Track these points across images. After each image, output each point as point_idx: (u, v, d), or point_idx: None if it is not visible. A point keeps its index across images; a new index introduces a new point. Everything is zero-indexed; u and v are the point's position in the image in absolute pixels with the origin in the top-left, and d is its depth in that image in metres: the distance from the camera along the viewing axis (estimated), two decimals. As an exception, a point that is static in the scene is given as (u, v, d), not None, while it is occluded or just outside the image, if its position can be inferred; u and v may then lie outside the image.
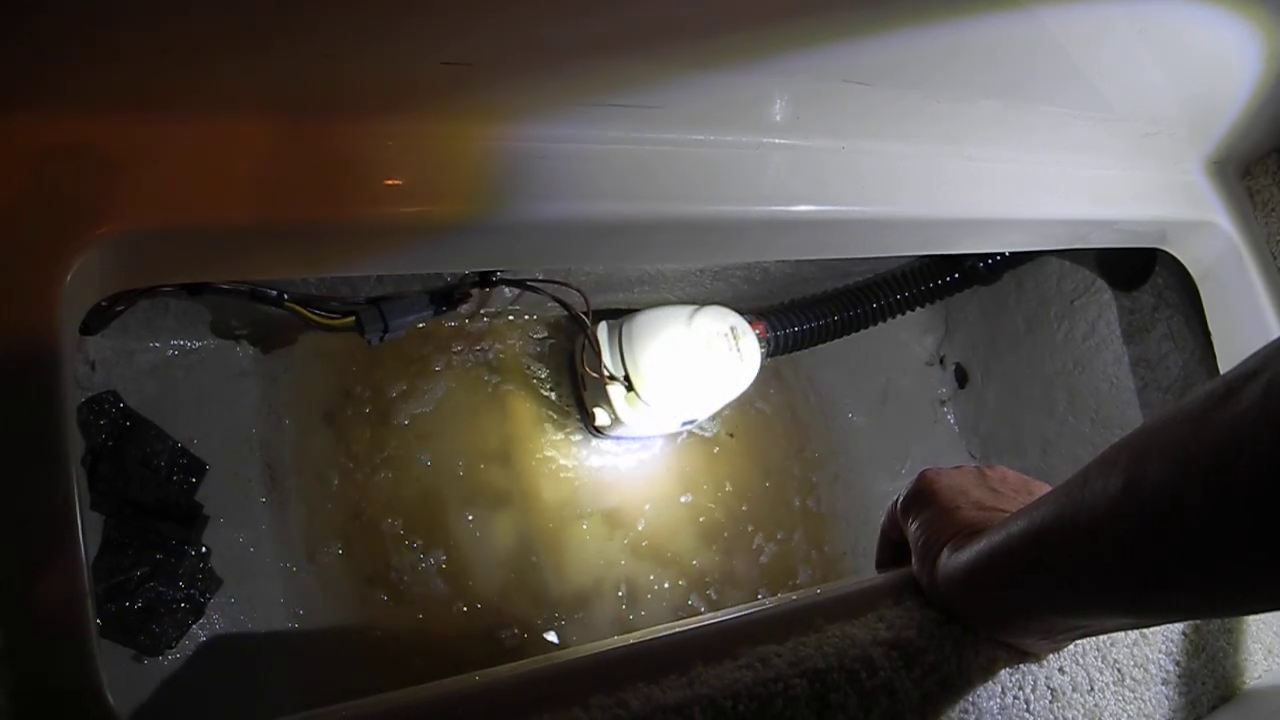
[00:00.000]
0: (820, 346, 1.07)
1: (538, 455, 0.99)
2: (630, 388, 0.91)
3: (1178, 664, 0.52)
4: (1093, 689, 0.47)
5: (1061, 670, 0.46)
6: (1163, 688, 0.50)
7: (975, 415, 1.29)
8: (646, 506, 1.04)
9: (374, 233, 0.50)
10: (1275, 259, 0.84)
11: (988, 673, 0.43)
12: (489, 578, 0.92)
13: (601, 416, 0.96)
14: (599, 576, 0.99)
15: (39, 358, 0.38)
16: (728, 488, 1.10)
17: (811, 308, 1.04)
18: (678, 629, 0.41)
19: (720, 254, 0.83)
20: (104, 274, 0.44)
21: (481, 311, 0.97)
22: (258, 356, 0.86)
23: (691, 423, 1.01)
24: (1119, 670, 0.48)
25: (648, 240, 0.61)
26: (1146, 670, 0.50)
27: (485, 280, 0.83)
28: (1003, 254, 1.08)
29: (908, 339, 1.32)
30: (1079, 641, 0.46)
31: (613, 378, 0.91)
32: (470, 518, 0.93)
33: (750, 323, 0.97)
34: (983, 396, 1.27)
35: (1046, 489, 0.41)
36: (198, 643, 0.76)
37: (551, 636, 0.94)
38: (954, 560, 0.41)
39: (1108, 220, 0.80)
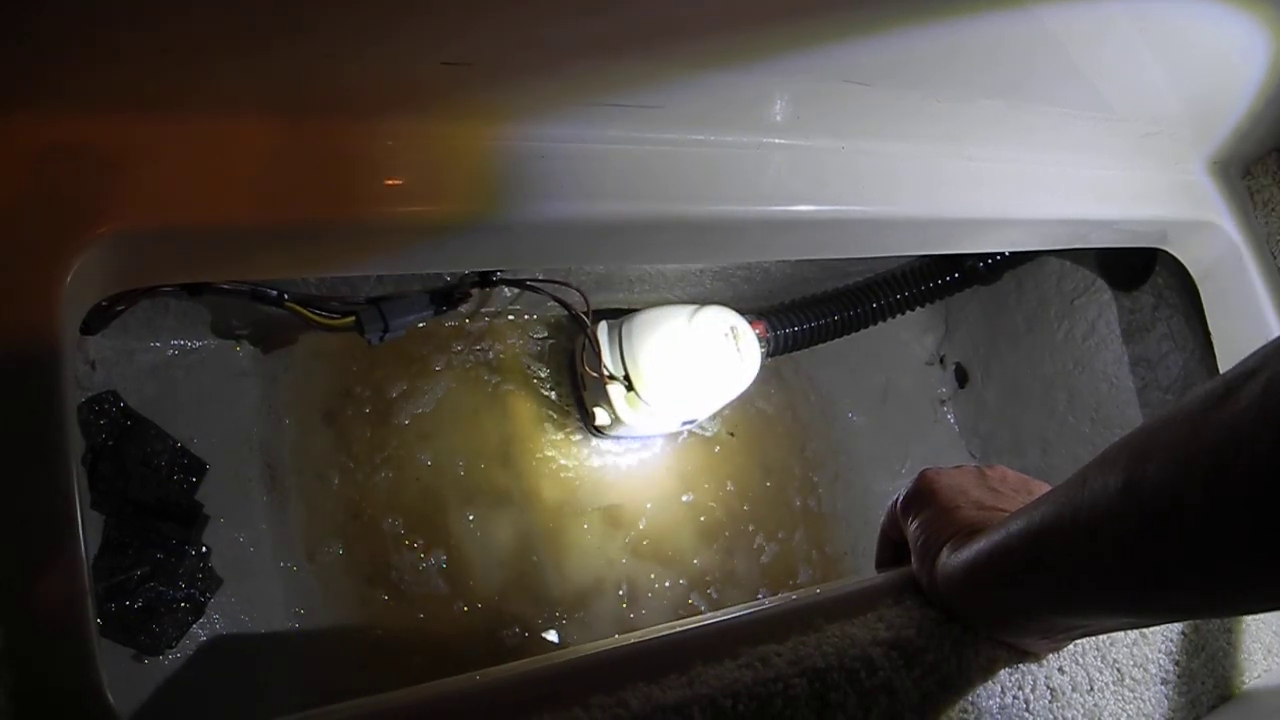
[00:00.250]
0: (820, 346, 1.07)
1: (538, 455, 0.99)
2: (630, 387, 0.91)
3: (1177, 664, 0.52)
4: (1092, 689, 0.47)
5: (1061, 670, 0.46)
6: (1162, 687, 0.50)
7: (975, 415, 1.29)
8: (648, 505, 1.04)
9: (374, 233, 0.50)
10: (1275, 259, 0.84)
11: (987, 672, 0.43)
12: (489, 577, 0.92)
13: (602, 416, 0.96)
14: (599, 576, 0.99)
15: (39, 357, 0.38)
16: (729, 487, 1.10)
17: (811, 307, 1.04)
18: (677, 628, 0.41)
19: (720, 254, 0.83)
20: (104, 274, 0.44)
21: (482, 311, 0.97)
22: (258, 356, 0.86)
23: (692, 422, 1.01)
24: (1118, 670, 0.48)
25: (648, 240, 0.61)
26: (1146, 670, 0.50)
27: (485, 280, 0.83)
28: (1003, 254, 1.08)
29: (908, 339, 1.32)
30: (1078, 641, 0.46)
31: (613, 377, 0.91)
32: (471, 517, 0.93)
33: (750, 322, 0.97)
34: (983, 396, 1.27)
35: (1046, 489, 0.41)
36: (198, 642, 0.76)
37: (552, 636, 0.94)
38: (954, 560, 0.41)
39: (1108, 220, 0.80)
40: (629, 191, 0.56)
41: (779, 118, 0.60)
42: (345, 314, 0.75)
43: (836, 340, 1.07)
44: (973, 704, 0.42)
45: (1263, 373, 0.28)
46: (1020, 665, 0.44)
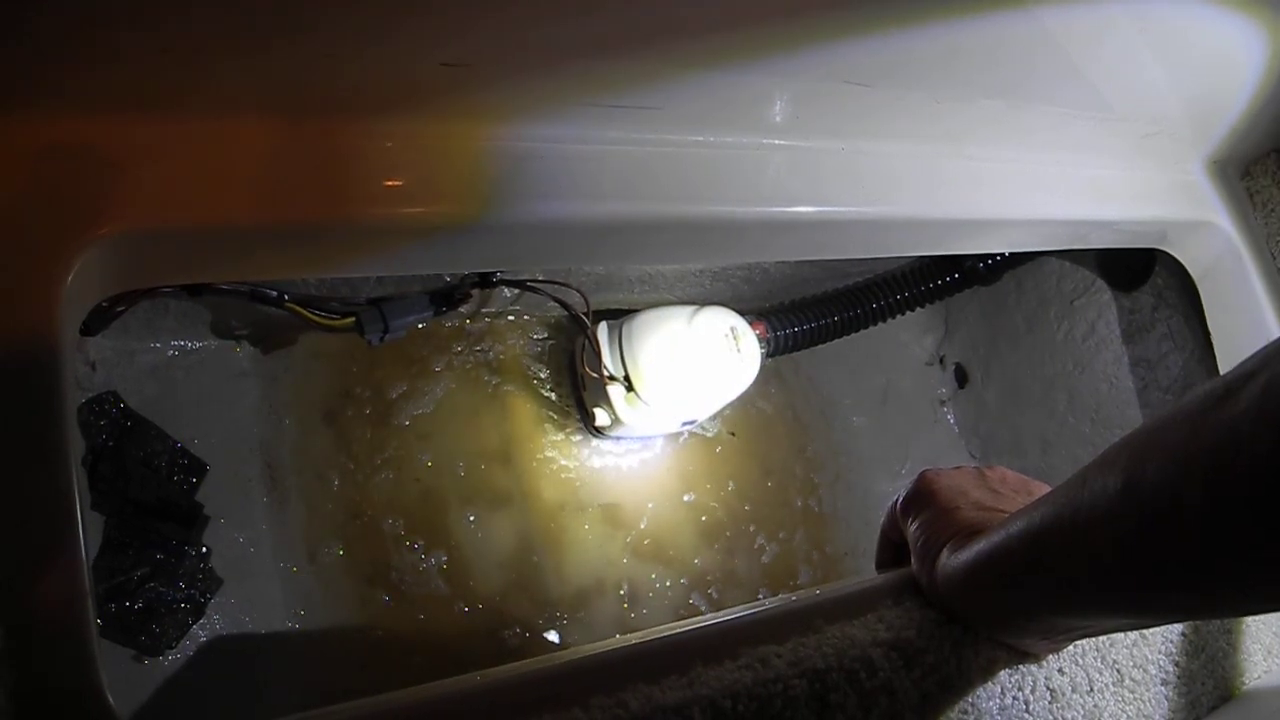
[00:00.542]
0: (820, 346, 1.07)
1: (538, 455, 0.99)
2: (630, 388, 0.91)
3: (1177, 664, 0.52)
4: (1092, 690, 0.47)
5: (1061, 671, 0.46)
6: (1162, 688, 0.50)
7: (975, 415, 1.29)
8: (649, 505, 1.04)
9: (374, 233, 0.50)
10: (1275, 259, 0.84)
11: (987, 673, 0.43)
12: (490, 578, 0.92)
13: (602, 417, 0.96)
14: (600, 576, 0.99)
15: (39, 358, 0.38)
16: (730, 487, 1.10)
17: (811, 308, 1.04)
18: (677, 629, 0.41)
19: (720, 254, 0.83)
20: (105, 274, 0.44)
21: (482, 312, 0.97)
22: (258, 357, 0.86)
23: (692, 423, 1.01)
24: (1118, 671, 0.48)
25: (648, 241, 0.61)
26: (1146, 671, 0.50)
27: (485, 281, 0.83)
28: (1002, 254, 1.08)
29: (908, 339, 1.32)
30: (1078, 642, 0.46)
31: (613, 378, 0.91)
32: (471, 518, 0.93)
33: (750, 323, 0.97)
34: (983, 397, 1.27)
35: (1046, 489, 0.41)
36: (198, 643, 0.76)
37: (553, 636, 0.94)
38: (953, 560, 0.41)
39: (1108, 220, 0.80)
40: (628, 192, 0.56)
41: (778, 118, 0.60)
42: (345, 314, 0.75)
43: (836, 341, 1.07)
44: (972, 705, 0.42)
45: (1262, 374, 0.28)
46: (1020, 666, 0.44)
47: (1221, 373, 0.31)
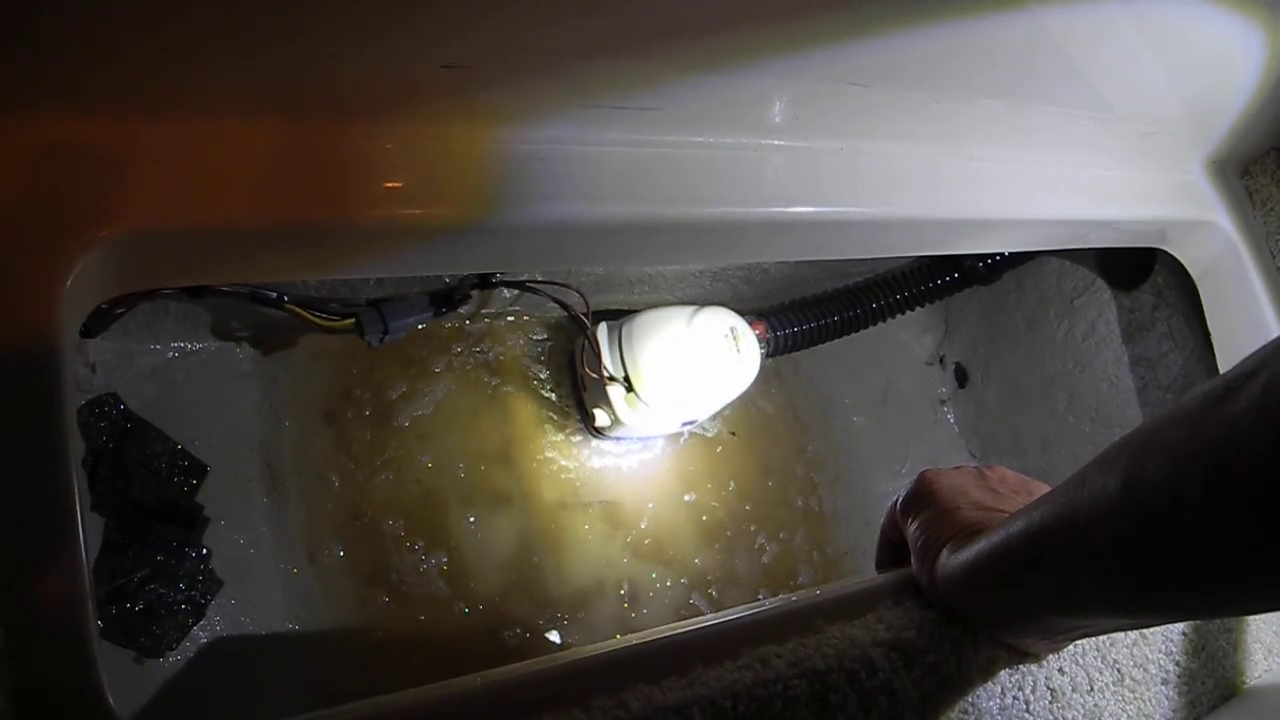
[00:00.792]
0: (820, 346, 1.07)
1: (538, 456, 0.99)
2: (630, 388, 0.91)
3: (1177, 664, 0.52)
4: (1092, 689, 0.47)
5: (1061, 670, 0.46)
6: (1162, 688, 0.50)
7: (975, 415, 1.29)
8: (649, 505, 1.04)
9: (374, 235, 0.50)
10: (1274, 258, 0.84)
11: (987, 673, 0.43)
12: (490, 578, 0.92)
13: (602, 417, 0.96)
14: (600, 576, 0.99)
15: (40, 360, 0.38)
16: (731, 487, 1.10)
17: (811, 308, 1.04)
18: (677, 630, 0.41)
19: (720, 255, 0.83)
20: (105, 276, 0.44)
21: (481, 313, 0.97)
22: (258, 358, 0.86)
23: (692, 423, 1.01)
24: (1119, 670, 0.48)
25: (647, 242, 0.61)
26: (1146, 670, 0.50)
27: (485, 282, 0.83)
28: (1002, 254, 1.08)
29: (908, 339, 1.32)
30: (1078, 642, 0.46)
31: (613, 378, 0.91)
32: (471, 519, 0.93)
33: (750, 323, 0.97)
34: (983, 396, 1.27)
35: (1046, 489, 0.41)
36: (198, 644, 0.76)
37: (553, 637, 0.94)
38: (953, 560, 0.41)
39: (1107, 220, 0.80)
40: (628, 193, 0.56)
41: (778, 119, 0.60)
42: (345, 316, 0.76)
43: (836, 340, 1.07)
44: (973, 705, 0.42)
45: (1262, 373, 0.28)
46: (1020, 666, 0.44)
47: (1221, 372, 0.31)
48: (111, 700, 0.36)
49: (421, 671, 0.86)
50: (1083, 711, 0.46)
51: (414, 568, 0.88)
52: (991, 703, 0.43)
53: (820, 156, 0.64)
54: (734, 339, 0.93)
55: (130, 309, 0.60)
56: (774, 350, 1.01)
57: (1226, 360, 0.87)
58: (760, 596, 1.08)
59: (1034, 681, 0.44)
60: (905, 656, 0.41)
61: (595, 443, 1.03)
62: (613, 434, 0.99)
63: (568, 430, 1.01)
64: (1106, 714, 0.47)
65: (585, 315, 0.87)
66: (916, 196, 0.68)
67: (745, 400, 1.03)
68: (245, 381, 0.85)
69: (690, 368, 0.91)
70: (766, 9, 0.50)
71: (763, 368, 0.97)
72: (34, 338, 0.38)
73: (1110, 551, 0.32)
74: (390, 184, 0.49)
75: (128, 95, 0.42)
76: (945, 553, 0.42)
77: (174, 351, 0.81)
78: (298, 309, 0.72)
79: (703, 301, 0.98)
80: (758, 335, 0.97)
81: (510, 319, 1.00)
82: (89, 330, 0.59)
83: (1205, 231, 0.85)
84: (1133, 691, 0.49)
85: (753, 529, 1.10)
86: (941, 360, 1.33)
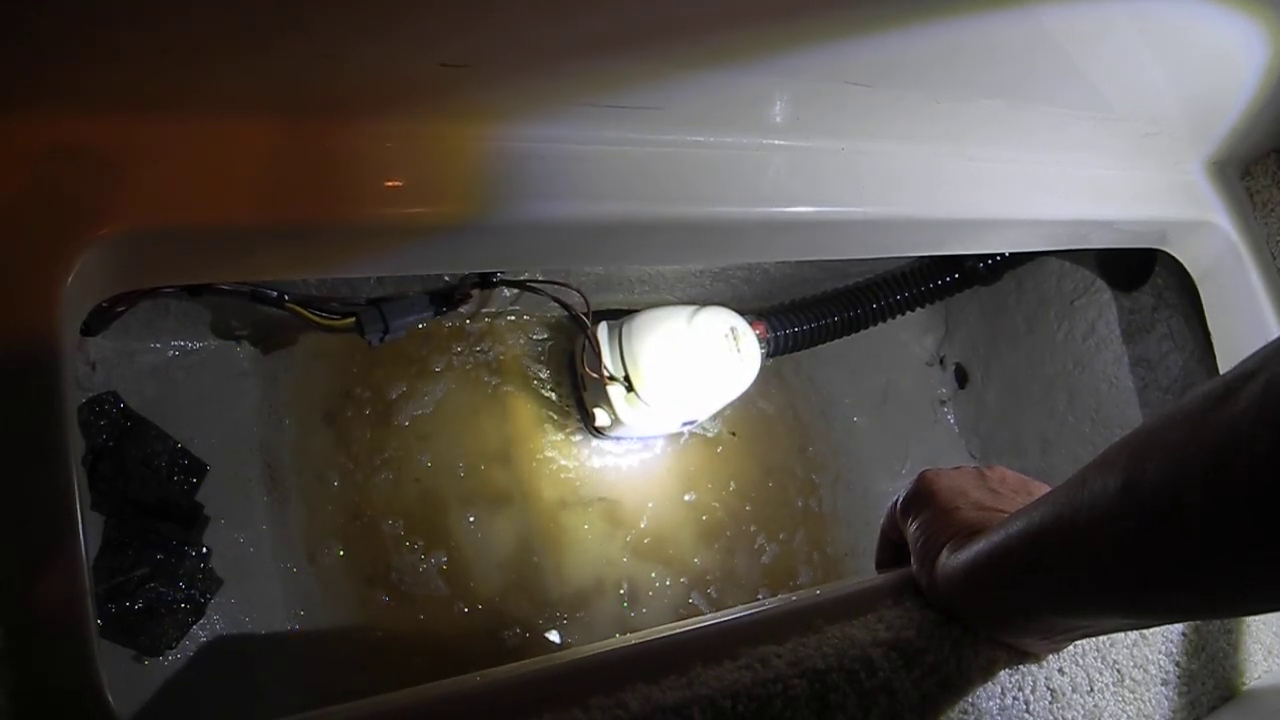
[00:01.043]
0: (821, 347, 1.07)
1: (538, 456, 0.99)
2: (630, 388, 0.91)
3: (1177, 664, 0.52)
4: (1092, 690, 0.47)
5: (1061, 671, 0.46)
6: (1162, 688, 0.50)
7: (975, 415, 1.29)
8: (649, 505, 1.04)
9: (374, 233, 0.50)
10: (1275, 259, 0.84)
11: (987, 673, 0.43)
12: (490, 578, 0.92)
13: (602, 417, 0.96)
14: (600, 576, 0.99)
15: (40, 358, 0.38)
16: (731, 487, 1.10)
17: (812, 308, 1.04)
18: (677, 629, 0.41)
19: (720, 255, 0.83)
20: (105, 275, 0.44)
21: (482, 312, 0.97)
22: (258, 357, 0.86)
23: (692, 423, 1.01)
24: (1118, 671, 0.48)
25: (647, 241, 0.61)
26: (1146, 671, 0.50)
27: (485, 281, 0.83)
28: (1002, 254, 1.08)
29: (908, 339, 1.32)
30: (1078, 642, 0.46)
31: (613, 378, 0.91)
32: (471, 518, 0.93)
33: (750, 323, 0.97)
34: (983, 397, 1.27)
35: (1046, 489, 0.41)
36: (198, 643, 0.76)
37: (553, 636, 0.94)
38: (953, 560, 0.41)
39: (1108, 220, 0.80)
40: (628, 192, 0.56)
41: (778, 119, 0.60)
42: (345, 315, 0.76)
43: (837, 341, 1.07)
44: (972, 705, 0.42)
45: (1262, 374, 0.28)
46: (1020, 666, 0.44)
47: (1221, 373, 0.31)
48: (111, 699, 0.36)
49: (421, 671, 0.86)
50: (1082, 712, 0.46)
51: (413, 567, 0.88)
52: (991, 703, 0.43)
53: (821, 156, 0.64)
54: (734, 339, 0.93)
55: (131, 307, 0.60)
56: (774, 350, 1.01)
57: (1227, 361, 0.87)
58: (760, 596, 1.08)
59: (1034, 682, 0.44)
60: (905, 656, 0.41)
61: (595, 442, 1.03)
62: (613, 434, 0.99)
63: (568, 430, 1.01)
64: (1106, 714, 0.47)
65: (585, 315, 0.87)
66: (917, 196, 0.68)
67: (745, 400, 1.03)
68: (245, 380, 0.85)
69: (690, 368, 0.91)
70: (767, 8, 0.50)
71: (763, 368, 0.97)
72: (34, 336, 0.38)
73: (1110, 552, 0.32)
74: (390, 182, 0.49)
75: (128, 95, 0.42)
76: (945, 553, 0.42)
77: (174, 350, 0.81)
78: (298, 308, 0.72)
79: (703, 301, 0.98)
80: (758, 335, 0.97)
81: (510, 318, 1.00)
82: (89, 328, 0.59)
83: (1205, 232, 0.85)
84: (1132, 692, 0.49)
85: (753, 529, 1.10)
86: (942, 361, 1.33)
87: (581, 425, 1.01)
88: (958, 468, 0.49)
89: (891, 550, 0.50)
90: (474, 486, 0.94)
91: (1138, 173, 0.81)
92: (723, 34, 0.51)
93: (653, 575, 1.02)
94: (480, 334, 0.98)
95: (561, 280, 0.86)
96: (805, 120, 0.61)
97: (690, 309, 0.94)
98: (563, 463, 1.00)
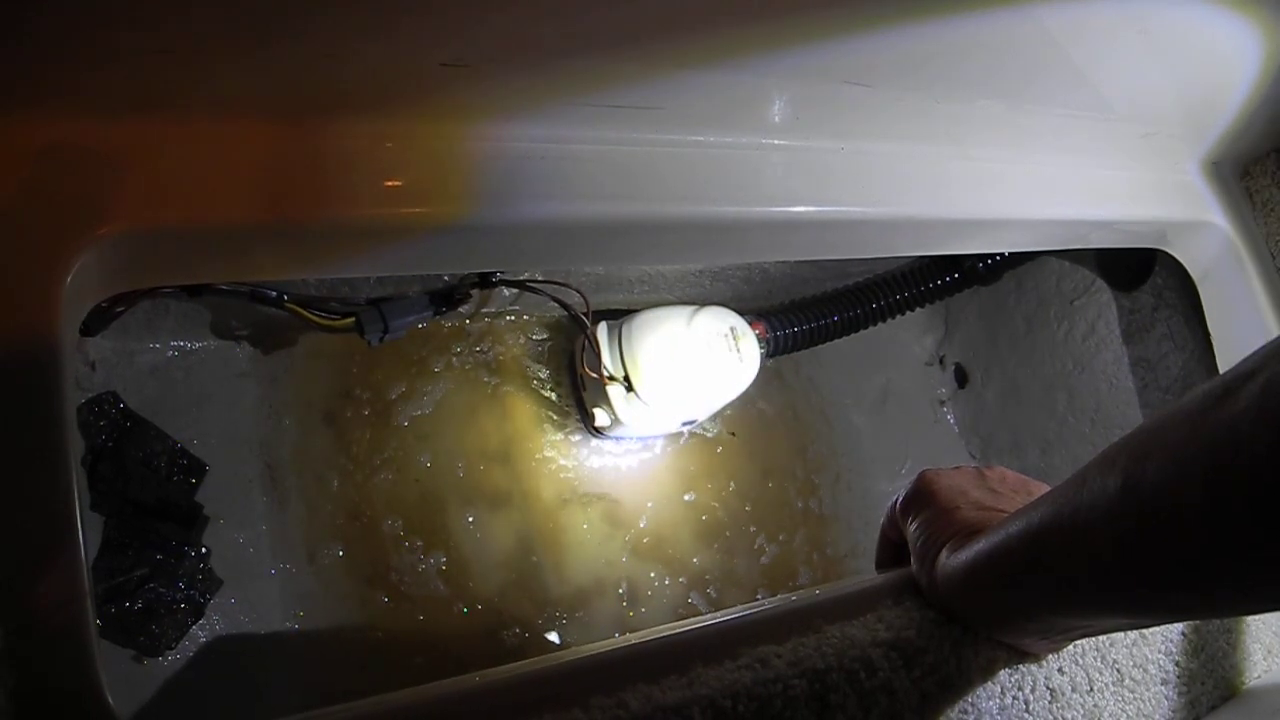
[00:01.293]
0: (820, 347, 1.07)
1: (537, 455, 0.99)
2: (630, 388, 0.91)
3: (1177, 664, 0.52)
4: (1092, 689, 0.47)
5: (1061, 671, 0.46)
6: (1162, 688, 0.50)
7: (975, 415, 1.29)
8: (649, 505, 1.04)
9: (374, 233, 0.50)
10: (1274, 259, 0.84)
11: (987, 673, 0.43)
12: (489, 578, 0.92)
13: (601, 417, 0.96)
14: (599, 576, 0.99)
15: (39, 358, 0.38)
16: (730, 487, 1.10)
17: (811, 308, 1.04)
18: (677, 629, 0.41)
19: (720, 255, 0.83)
20: (104, 275, 0.44)
21: (481, 312, 0.97)
22: (258, 357, 0.86)
23: (692, 423, 1.01)
24: (1118, 670, 0.48)
25: (647, 241, 0.61)
26: (1146, 670, 0.50)
27: (485, 281, 0.83)
28: (1002, 254, 1.08)
29: (908, 339, 1.32)
30: (1078, 642, 0.46)
31: (612, 378, 0.91)
32: (470, 518, 0.93)
33: (750, 323, 0.97)
34: (982, 397, 1.27)
35: (1046, 489, 0.41)
36: (198, 643, 0.76)
37: (553, 636, 0.94)
38: (953, 560, 0.41)
39: (1107, 220, 0.80)
40: (628, 192, 0.56)
41: (778, 118, 0.60)
42: (345, 315, 0.75)
43: (837, 341, 1.07)
44: (972, 705, 0.42)
45: (1261, 373, 0.28)
46: (1020, 666, 0.44)
47: (1221, 372, 0.31)
48: (111, 699, 0.36)
49: (420, 671, 0.86)
50: (1082, 712, 0.46)
51: (413, 567, 0.88)
52: (991, 703, 0.43)
53: (820, 156, 0.64)
54: (734, 339, 0.93)
55: (130, 307, 0.60)
56: (774, 350, 1.01)
57: (1226, 361, 0.87)
58: (759, 597, 1.08)
59: (1033, 682, 0.44)
60: (905, 656, 0.41)
61: (595, 442, 1.03)
62: (612, 434, 0.99)
63: (567, 430, 1.01)
64: (1106, 714, 0.47)
65: (585, 315, 0.87)
66: (916, 196, 0.68)
67: (745, 400, 1.03)
68: (245, 380, 0.85)
69: (690, 367, 0.91)
70: (766, 7, 0.50)
71: (763, 368, 0.97)
72: (34, 336, 0.38)
73: (1110, 552, 0.32)
74: (390, 182, 0.49)
75: (128, 95, 0.42)
76: (945, 553, 0.42)
77: (174, 350, 0.81)
78: (298, 308, 0.72)
79: (703, 301, 0.98)
80: (758, 335, 0.97)
81: (510, 318, 1.00)
82: (89, 328, 0.59)
83: (1205, 232, 0.85)
84: (1132, 692, 0.49)
85: (752, 529, 1.10)
86: (941, 361, 1.33)
87: (581, 425, 1.01)
88: (957, 467, 0.49)
89: (891, 550, 0.50)
90: (473, 486, 0.94)
91: (1137, 173, 0.81)
92: (722, 33, 0.51)
93: (652, 575, 1.02)
94: (480, 334, 0.98)
95: (561, 280, 0.86)
96: (805, 120, 0.61)
97: (690, 309, 0.94)
98: (562, 462, 1.00)
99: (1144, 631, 0.51)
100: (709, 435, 1.11)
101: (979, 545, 0.40)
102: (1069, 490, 0.35)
